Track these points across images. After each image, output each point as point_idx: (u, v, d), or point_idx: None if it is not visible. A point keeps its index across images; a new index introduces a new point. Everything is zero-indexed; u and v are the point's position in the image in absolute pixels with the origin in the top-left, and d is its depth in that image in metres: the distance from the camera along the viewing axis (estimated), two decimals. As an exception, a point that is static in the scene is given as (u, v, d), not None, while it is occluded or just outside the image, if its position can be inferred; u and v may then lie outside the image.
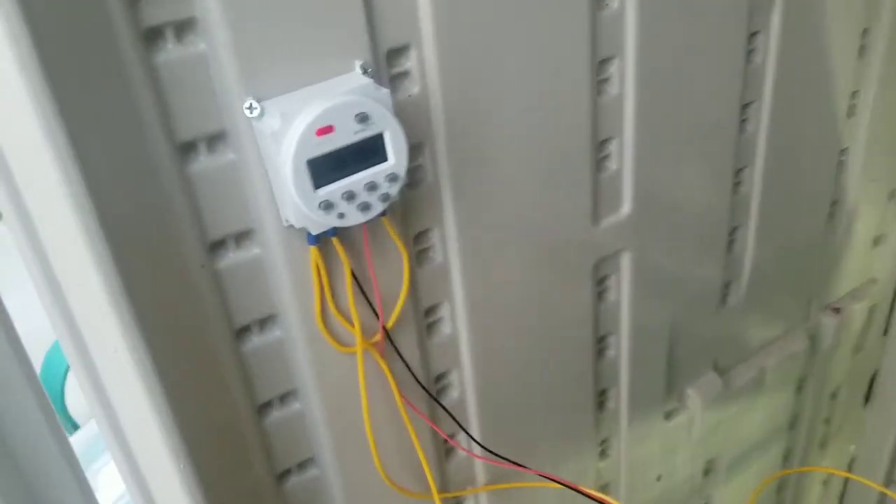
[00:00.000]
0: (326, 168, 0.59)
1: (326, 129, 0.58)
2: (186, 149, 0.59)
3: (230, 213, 0.62)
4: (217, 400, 0.66)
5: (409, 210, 0.70)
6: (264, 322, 0.66)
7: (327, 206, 0.59)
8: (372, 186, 0.61)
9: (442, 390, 0.80)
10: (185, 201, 0.59)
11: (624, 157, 0.83)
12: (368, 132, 0.59)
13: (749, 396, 1.15)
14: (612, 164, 0.83)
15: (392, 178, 0.62)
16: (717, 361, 1.11)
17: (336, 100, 0.58)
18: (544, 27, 0.71)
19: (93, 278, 0.55)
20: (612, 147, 0.82)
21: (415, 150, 0.69)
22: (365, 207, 0.61)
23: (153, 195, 0.57)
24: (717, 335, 1.07)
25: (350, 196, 0.60)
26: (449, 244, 0.74)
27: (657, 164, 0.85)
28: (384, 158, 0.61)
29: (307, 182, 0.58)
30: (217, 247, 0.63)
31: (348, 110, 0.58)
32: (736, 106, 0.93)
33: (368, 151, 0.60)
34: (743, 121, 0.96)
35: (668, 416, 1.07)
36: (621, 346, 0.95)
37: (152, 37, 0.54)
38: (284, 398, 0.69)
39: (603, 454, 1.02)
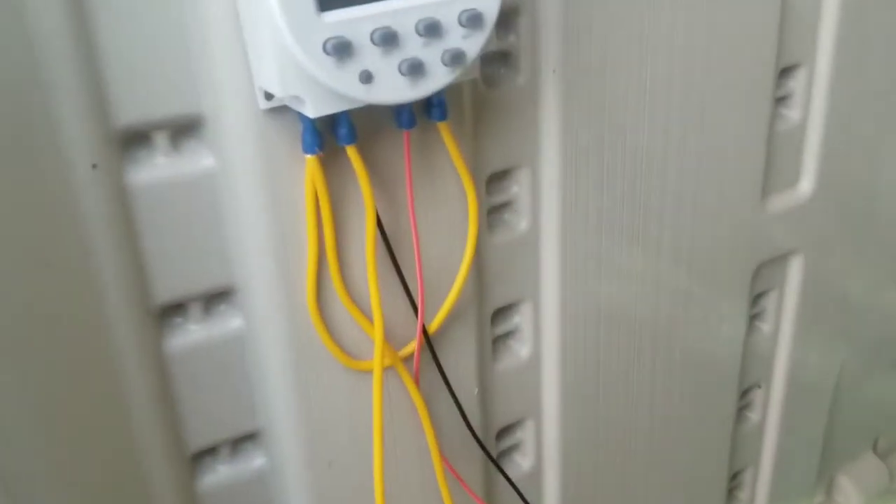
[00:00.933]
0: (345, -28, 0.29)
1: None
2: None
3: (160, 74, 0.33)
4: (102, 443, 0.36)
5: (483, 127, 0.40)
6: (212, 300, 0.36)
7: (341, 48, 0.29)
8: (432, 28, 0.31)
9: (506, 454, 0.48)
10: (71, 36, 0.30)
11: (812, 99, 0.53)
12: (434, -86, 0.30)
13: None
14: (792, 112, 0.53)
15: (472, 19, 0.32)
16: (879, 439, 0.78)
17: None
18: None
19: None
20: (797, 81, 0.53)
21: (503, 21, 0.39)
22: (415, 69, 0.31)
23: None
24: (889, 398, 0.75)
25: (388, 39, 0.30)
26: (543, 199, 0.44)
27: (853, 120, 0.55)
28: (459, -22, 0.31)
29: (304, -7, 0.28)
30: (132, 142, 0.34)
31: None
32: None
33: (430, -44, 0.31)
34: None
35: (814, 515, 0.74)
36: (770, 405, 0.63)
37: None
38: (239, 445, 0.40)
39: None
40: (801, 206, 0.56)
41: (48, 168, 0.32)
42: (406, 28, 0.31)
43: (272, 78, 0.31)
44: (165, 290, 0.37)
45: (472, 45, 0.32)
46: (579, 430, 0.52)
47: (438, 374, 0.43)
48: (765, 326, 0.60)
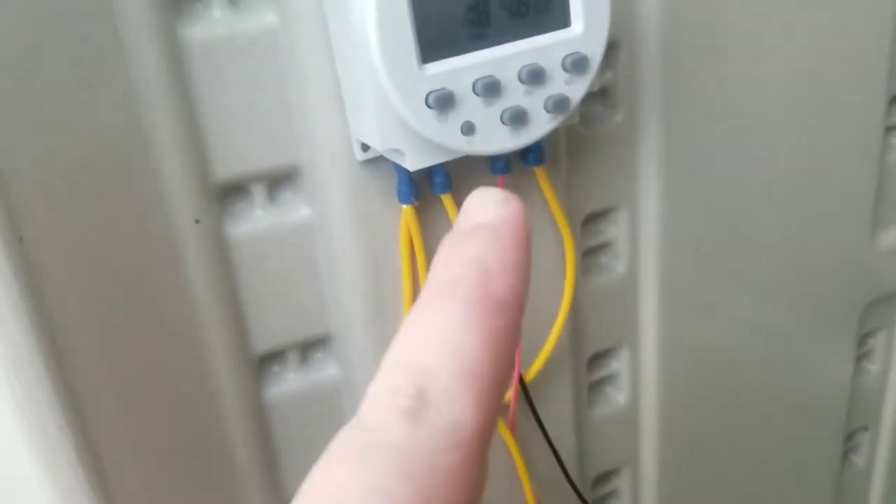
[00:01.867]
0: (448, 23, 0.29)
1: (455, -64, 0.27)
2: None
3: (259, 129, 0.33)
4: (206, 490, 0.36)
5: (578, 168, 0.39)
6: (308, 348, 0.36)
7: (443, 101, 0.29)
8: (536, 74, 0.30)
9: (603, 501, 0.46)
10: (173, 95, 0.30)
11: (925, 129, 0.50)
12: (537, -39, 0.29)
13: None
14: (903, 142, 0.50)
15: (577, 63, 0.30)
16: None
17: None
18: None
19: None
20: (909, 112, 0.49)
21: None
22: (517, 119, 0.30)
23: (112, 81, 0.29)
24: None
25: (490, 88, 0.29)
26: (642, 239, 0.42)
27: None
28: (563, 22, 0.30)
29: (408, 45, 0.28)
30: (229, 194, 0.34)
31: None
32: None
33: (535, 1, 0.30)
34: None
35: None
36: (878, 449, 0.59)
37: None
38: None
39: None
40: (913, 240, 0.52)
41: (152, 224, 0.32)
42: (509, 76, 0.30)
43: (371, 131, 0.30)
44: (264, 339, 0.37)
45: (576, 90, 0.31)
46: (677, 479, 0.50)
47: (534, 421, 0.42)
48: (873, 367, 0.57)
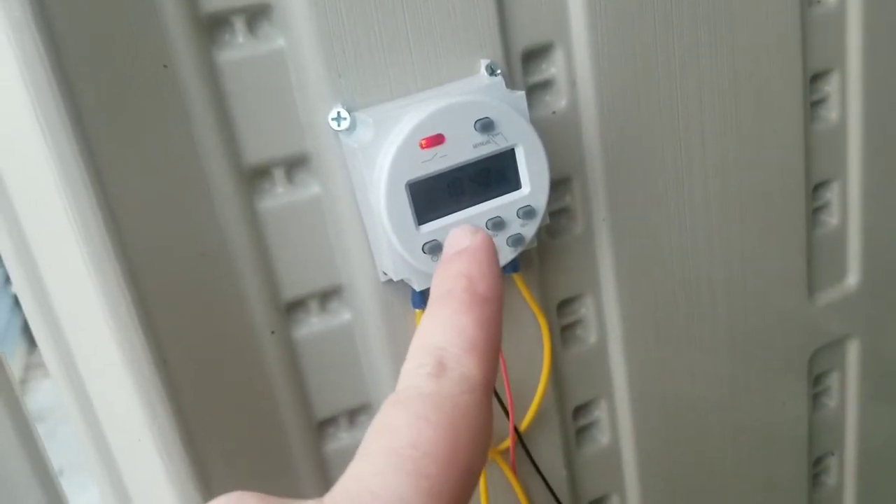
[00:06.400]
0: (434, 196, 0.42)
1: (435, 140, 0.41)
2: (256, 177, 0.44)
3: (312, 264, 0.46)
4: (249, 408, 0.47)
5: (549, 268, 0.52)
6: (355, 413, 0.49)
7: (434, 248, 0.42)
8: (498, 224, 0.43)
9: (595, 523, 0.58)
10: (252, 247, 0.44)
11: (848, 207, 0.61)
12: (494, 147, 0.42)
13: None
14: (831, 218, 0.61)
15: (527, 213, 0.44)
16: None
17: (449, 100, 0.41)
18: (740, 26, 0.52)
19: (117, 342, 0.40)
20: (832, 194, 0.61)
21: (560, 186, 0.51)
22: (488, 254, 0.43)
23: (209, 243, 0.43)
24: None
25: (467, 236, 0.43)
26: (607, 318, 0.55)
27: (892, 218, 0.62)
28: (516, 185, 0.44)
29: (407, 214, 0.42)
30: (294, 309, 0.47)
31: (466, 115, 0.42)
32: None
33: (494, 174, 0.43)
34: None
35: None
36: (845, 471, 0.70)
37: (215, 28, 0.41)
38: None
39: None
40: (848, 297, 0.63)
41: (231, 337, 0.46)
42: (479, 226, 0.43)
43: (388, 266, 0.44)
44: (320, 406, 0.50)
45: (529, 229, 0.44)
46: (659, 500, 0.61)
47: (531, 463, 0.54)
48: (830, 401, 0.67)
